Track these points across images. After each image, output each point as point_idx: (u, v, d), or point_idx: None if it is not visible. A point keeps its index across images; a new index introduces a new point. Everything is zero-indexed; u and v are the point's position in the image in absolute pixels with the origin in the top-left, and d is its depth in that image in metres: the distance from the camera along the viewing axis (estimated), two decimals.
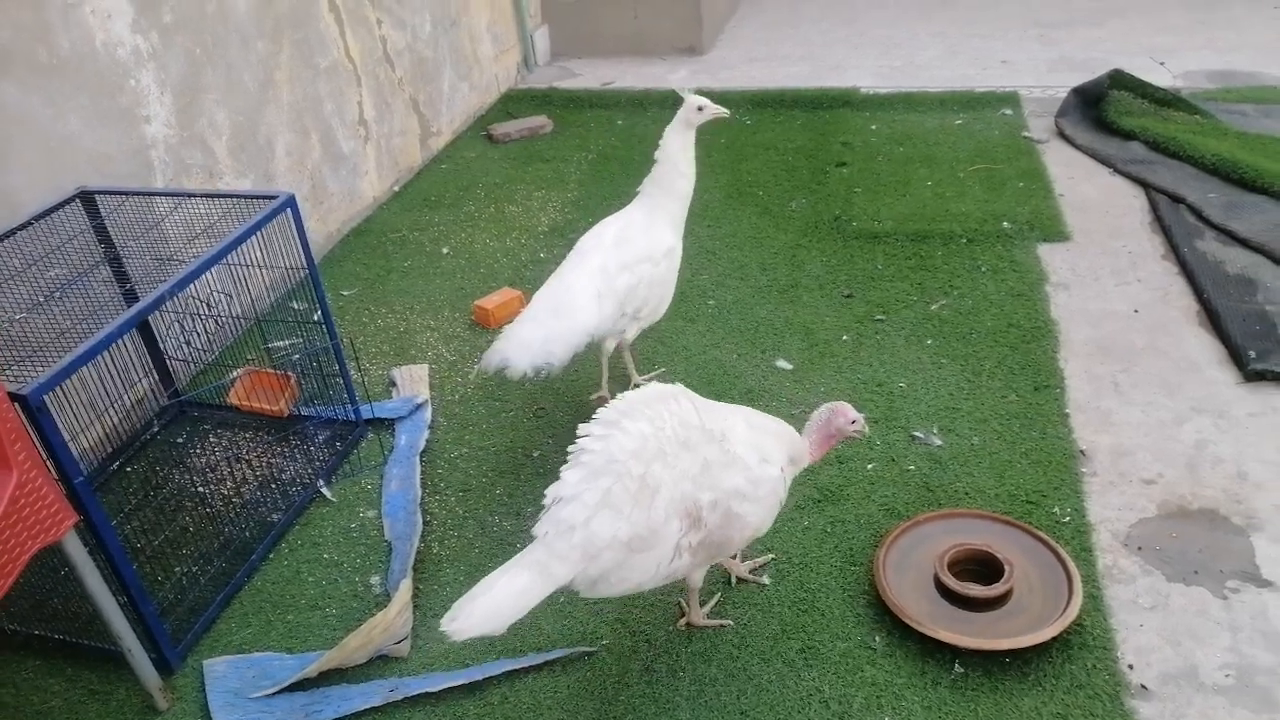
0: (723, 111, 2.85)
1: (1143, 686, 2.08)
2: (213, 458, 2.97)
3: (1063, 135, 4.71)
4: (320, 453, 2.95)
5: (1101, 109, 4.73)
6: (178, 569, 2.55)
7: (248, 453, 2.97)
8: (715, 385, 3.13)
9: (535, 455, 2.93)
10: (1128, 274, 3.59)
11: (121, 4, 3.09)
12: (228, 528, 2.68)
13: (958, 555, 2.35)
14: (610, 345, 2.90)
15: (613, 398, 2.99)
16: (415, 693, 2.17)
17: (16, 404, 1.87)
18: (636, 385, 3.03)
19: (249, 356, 3.28)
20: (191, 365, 3.29)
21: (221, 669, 2.29)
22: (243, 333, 3.33)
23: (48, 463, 1.96)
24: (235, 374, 3.15)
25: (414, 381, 3.26)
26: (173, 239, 2.77)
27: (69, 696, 2.28)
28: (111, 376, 2.65)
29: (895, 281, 3.63)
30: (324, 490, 2.84)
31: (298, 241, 2.73)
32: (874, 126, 5.00)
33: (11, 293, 2.52)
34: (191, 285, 2.39)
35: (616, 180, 4.62)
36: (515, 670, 2.23)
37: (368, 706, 2.15)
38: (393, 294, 3.86)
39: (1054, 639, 2.14)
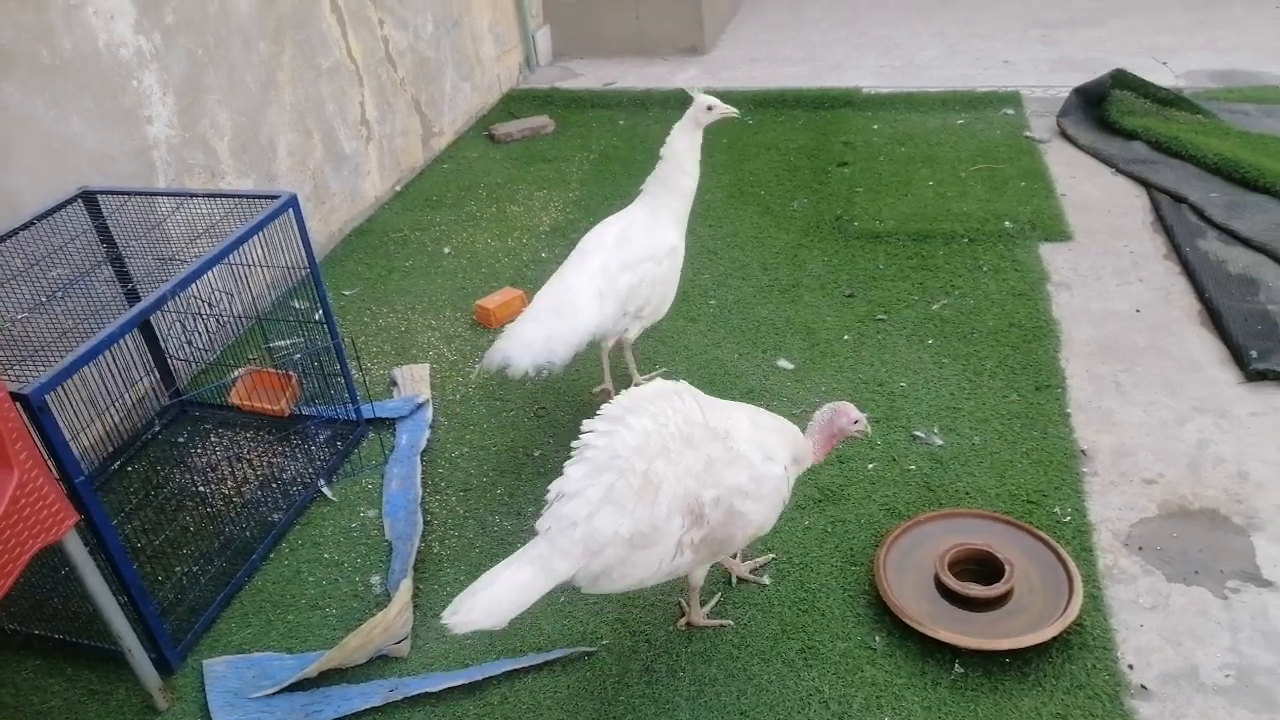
0: (732, 111, 2.85)
1: (1143, 686, 2.07)
2: (213, 457, 2.97)
3: (1064, 135, 4.70)
4: (321, 452, 2.96)
5: (1103, 109, 4.72)
6: (178, 568, 2.55)
7: (248, 452, 2.97)
8: (716, 385, 3.13)
9: (536, 455, 2.93)
10: (1129, 274, 3.58)
11: (124, 5, 3.10)
12: (228, 527, 2.68)
13: (958, 555, 2.35)
14: (610, 343, 2.90)
15: (616, 392, 3.00)
16: (415, 693, 2.17)
17: (18, 403, 1.87)
18: (637, 385, 3.03)
19: (250, 356, 3.29)
20: (193, 365, 3.29)
21: (221, 669, 2.29)
22: (244, 332, 3.34)
23: (49, 462, 1.97)
24: (236, 373, 3.15)
25: (415, 381, 3.27)
26: (174, 239, 2.78)
27: (69, 696, 2.28)
28: (113, 376, 2.65)
29: (897, 281, 3.63)
30: (325, 490, 2.84)
31: (299, 241, 2.73)
32: (875, 126, 4.99)
33: (14, 292, 2.53)
34: (193, 285, 2.39)
35: (618, 180, 4.62)
36: (515, 670, 2.23)
37: (368, 706, 2.16)
38: (394, 294, 3.87)
39: (1054, 639, 2.14)
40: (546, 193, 4.62)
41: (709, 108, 2.82)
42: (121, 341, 2.22)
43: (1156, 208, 3.98)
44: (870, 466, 2.74)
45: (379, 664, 2.28)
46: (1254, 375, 2.96)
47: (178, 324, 3.06)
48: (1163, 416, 2.86)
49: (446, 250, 4.17)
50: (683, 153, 2.84)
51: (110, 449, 2.95)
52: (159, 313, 2.75)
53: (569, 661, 2.26)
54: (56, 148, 2.89)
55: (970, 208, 4.09)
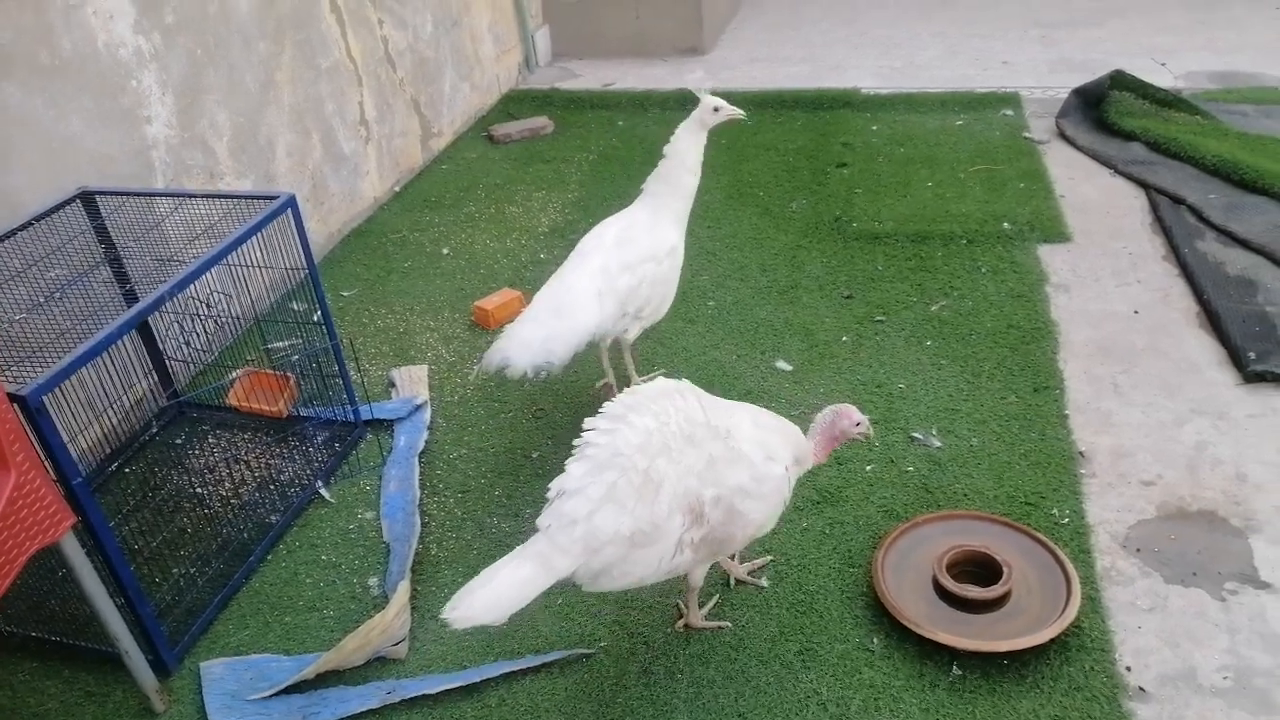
0: (738, 113, 2.84)
1: (1141, 688, 2.07)
2: (211, 459, 2.97)
3: (1063, 136, 4.71)
4: (319, 454, 2.96)
5: (1102, 110, 4.72)
6: (175, 570, 2.55)
7: (246, 454, 2.97)
8: (714, 386, 3.12)
9: (534, 456, 2.93)
10: (1128, 275, 3.58)
11: (123, 5, 3.10)
12: (226, 529, 2.68)
13: (956, 557, 2.35)
14: (609, 343, 2.90)
15: (619, 386, 3.00)
16: (413, 695, 2.17)
17: (15, 405, 1.87)
18: (636, 385, 3.03)
19: (248, 357, 3.28)
20: (191, 366, 3.29)
21: (219, 671, 2.29)
22: (242, 333, 3.33)
23: (46, 463, 1.97)
24: (234, 375, 3.15)
25: (413, 382, 3.27)
26: (173, 239, 2.77)
27: (66, 698, 2.28)
28: (111, 377, 2.66)
29: (895, 282, 3.63)
30: (322, 491, 2.84)
31: (298, 242, 2.73)
32: (874, 127, 4.99)
33: (12, 293, 2.53)
34: (191, 286, 2.39)
35: (617, 181, 4.62)
36: (513, 672, 2.23)
37: (365, 709, 2.15)
38: (393, 295, 3.87)
39: (1052, 641, 2.14)
40: (545, 194, 4.62)
41: (715, 109, 2.82)
42: (120, 343, 2.22)
43: (1155, 209, 3.98)
44: (868, 468, 2.74)
45: (377, 666, 2.28)
46: (1252, 377, 2.96)
47: (176, 325, 3.06)
48: (1161, 418, 2.86)
49: (445, 251, 4.17)
50: (686, 152, 2.84)
51: (108, 450, 2.95)
52: (157, 314, 2.76)
53: (567, 663, 2.25)
54: (55, 148, 2.88)
55: (969, 209, 4.09)
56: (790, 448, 2.12)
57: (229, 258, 2.53)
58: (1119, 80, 4.76)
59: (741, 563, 2.45)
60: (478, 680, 2.20)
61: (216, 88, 3.54)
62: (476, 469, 2.90)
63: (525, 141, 5.25)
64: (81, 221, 2.78)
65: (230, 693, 2.22)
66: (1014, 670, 2.13)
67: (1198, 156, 4.18)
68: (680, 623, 2.32)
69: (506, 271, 3.96)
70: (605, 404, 2.02)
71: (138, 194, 2.84)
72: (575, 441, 1.98)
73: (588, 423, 1.98)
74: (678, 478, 1.92)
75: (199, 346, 3.20)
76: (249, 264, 2.69)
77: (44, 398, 1.93)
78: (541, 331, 2.67)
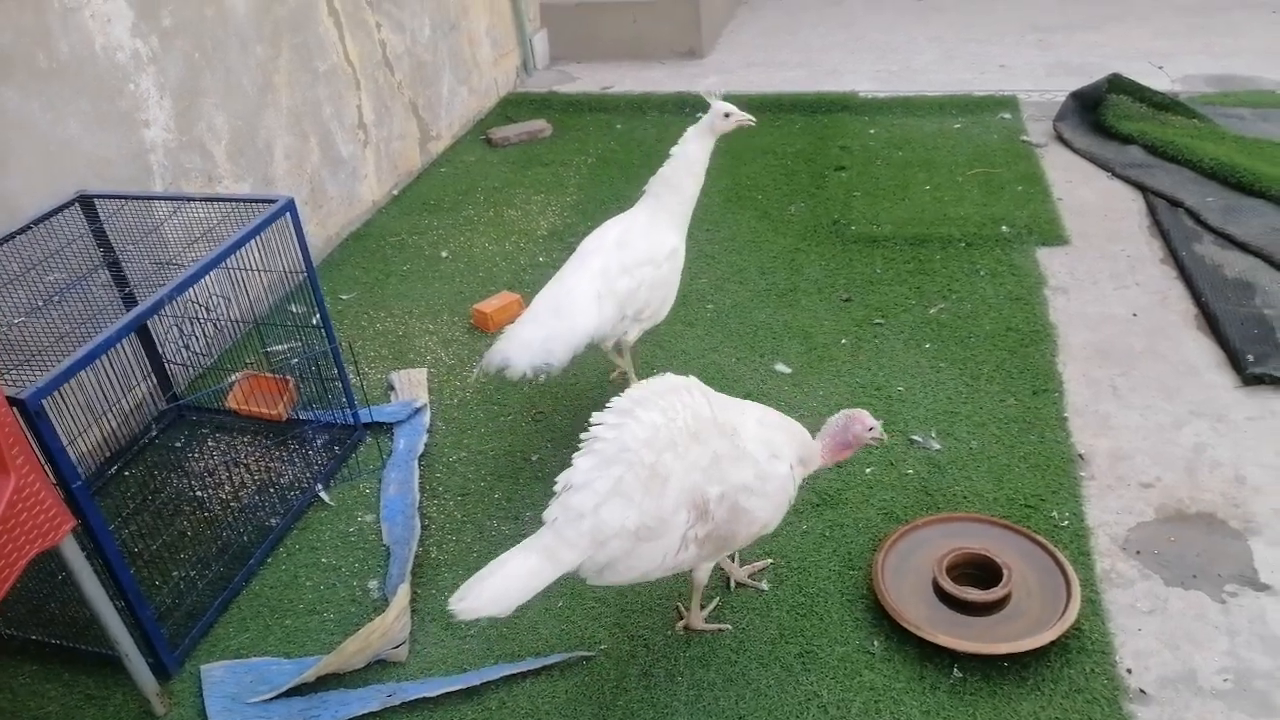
0: (749, 119, 2.84)
1: (1141, 691, 2.08)
2: (211, 462, 2.97)
3: (1061, 139, 4.72)
4: (318, 457, 2.95)
5: (1100, 113, 4.73)
6: (175, 573, 2.55)
7: (246, 457, 2.97)
8: (714, 389, 3.12)
9: (534, 459, 2.93)
10: (1126, 278, 3.59)
11: (121, 8, 3.10)
12: (226, 532, 2.67)
13: (956, 559, 2.35)
14: (610, 345, 2.90)
15: (633, 373, 2.99)
16: (413, 697, 2.17)
17: (15, 408, 1.87)
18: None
19: (248, 360, 3.28)
20: (190, 369, 3.29)
21: (219, 674, 2.28)
22: (241, 337, 3.33)
23: (46, 467, 1.96)
24: (234, 378, 3.15)
25: (412, 385, 3.26)
26: (172, 243, 2.77)
27: (66, 701, 2.27)
28: (110, 380, 2.65)
29: (894, 285, 3.63)
30: (322, 494, 2.84)
31: (296, 245, 2.73)
32: (872, 131, 5.00)
33: (10, 297, 2.53)
34: (190, 289, 2.39)
35: (615, 184, 4.62)
36: (513, 675, 2.23)
37: (365, 711, 2.15)
38: (391, 298, 3.86)
39: (1052, 643, 2.14)
40: (544, 196, 4.62)
41: (726, 115, 2.81)
42: (119, 346, 2.22)
43: (1153, 212, 3.99)
44: (868, 471, 2.74)
45: (377, 669, 2.28)
46: (1250, 379, 2.97)
47: (175, 328, 3.05)
48: (1160, 420, 2.86)
49: (444, 254, 4.17)
50: (693, 156, 2.84)
51: (107, 454, 2.94)
52: (156, 317, 2.75)
53: (567, 666, 2.25)
54: (53, 151, 2.88)
55: (967, 212, 4.10)
56: (795, 447, 2.13)
57: (228, 261, 2.53)
58: (1116, 84, 4.78)
59: (741, 565, 2.45)
60: (478, 683, 2.20)
61: (214, 91, 3.54)
62: (476, 472, 2.90)
63: (523, 145, 5.25)
64: (80, 225, 2.78)
65: (230, 695, 2.22)
66: (1014, 672, 2.13)
67: (1195, 160, 4.20)
68: (680, 624, 2.32)
69: (505, 274, 3.96)
70: (613, 399, 2.02)
71: (136, 197, 2.85)
72: (582, 436, 1.99)
73: (595, 417, 2.00)
74: (684, 473, 1.93)
75: (198, 350, 3.20)
76: (248, 267, 2.69)
77: (43, 401, 1.92)
78: (541, 332, 2.68)
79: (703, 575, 2.18)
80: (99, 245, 2.78)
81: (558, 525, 1.88)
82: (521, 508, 2.73)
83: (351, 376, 3.07)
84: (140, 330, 2.95)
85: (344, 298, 3.88)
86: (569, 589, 2.44)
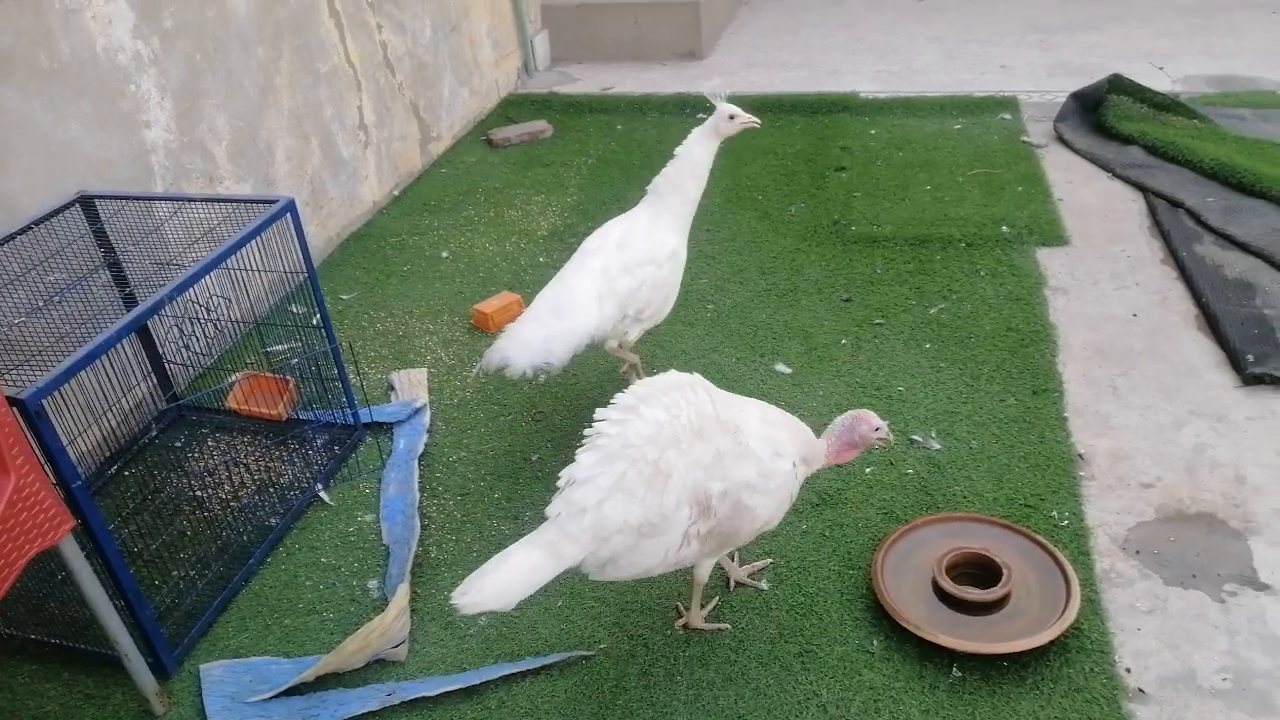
0: (754, 121, 2.84)
1: (1140, 690, 2.07)
2: (211, 461, 2.97)
3: (1061, 140, 4.72)
4: (318, 457, 2.96)
5: (1100, 114, 4.73)
6: (175, 573, 2.55)
7: (246, 457, 2.97)
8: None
9: (534, 459, 2.93)
10: (1126, 278, 3.59)
11: (122, 9, 3.10)
12: (225, 532, 2.68)
13: (956, 559, 2.35)
14: (613, 345, 2.90)
15: (641, 365, 2.98)
16: (412, 697, 2.17)
17: (15, 408, 1.87)
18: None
19: (248, 360, 3.29)
20: (190, 369, 3.29)
21: (218, 673, 2.29)
22: (242, 337, 3.34)
23: (46, 467, 1.97)
24: (234, 378, 3.15)
25: (412, 385, 3.27)
26: (172, 243, 2.78)
27: (65, 701, 2.27)
28: (110, 380, 2.66)
29: (894, 285, 3.63)
30: (322, 494, 2.84)
31: (297, 246, 2.73)
32: (873, 131, 5.00)
33: (11, 297, 2.53)
34: (191, 289, 2.39)
35: (616, 185, 4.63)
36: (512, 674, 2.23)
37: (365, 711, 2.15)
38: (392, 298, 3.87)
39: (1052, 643, 2.14)
40: (544, 197, 4.63)
41: (731, 117, 2.81)
42: (119, 346, 2.22)
43: (1153, 212, 3.98)
44: (868, 470, 2.74)
45: (376, 668, 2.28)
46: (1250, 379, 2.96)
47: (175, 328, 3.06)
48: (1160, 421, 2.86)
49: (444, 255, 4.17)
50: (697, 158, 2.84)
51: (107, 453, 2.95)
52: (156, 317, 2.75)
53: (566, 665, 2.25)
54: (54, 152, 2.89)
55: (967, 212, 4.10)
56: (798, 445, 2.13)
57: (228, 261, 2.54)
58: (1117, 84, 4.78)
59: (741, 565, 2.45)
60: (477, 682, 2.20)
61: (215, 92, 3.54)
62: (476, 472, 2.90)
63: (524, 145, 5.25)
64: (80, 225, 2.78)
65: (230, 695, 2.22)
66: (1014, 672, 2.13)
67: (1196, 160, 4.19)
68: (680, 623, 2.32)
69: (505, 275, 3.96)
70: (617, 395, 2.03)
71: (137, 198, 2.85)
72: (585, 433, 2.00)
73: (599, 413, 2.00)
74: (686, 470, 1.93)
75: (198, 350, 3.20)
76: (248, 268, 2.69)
77: (43, 401, 1.93)
78: (541, 332, 2.68)
79: (703, 573, 2.18)
80: (99, 246, 2.79)
81: (560, 520, 1.89)
82: (521, 507, 2.73)
83: (352, 376, 3.07)
84: (140, 330, 2.96)
85: (344, 298, 3.89)
86: (568, 589, 2.44)
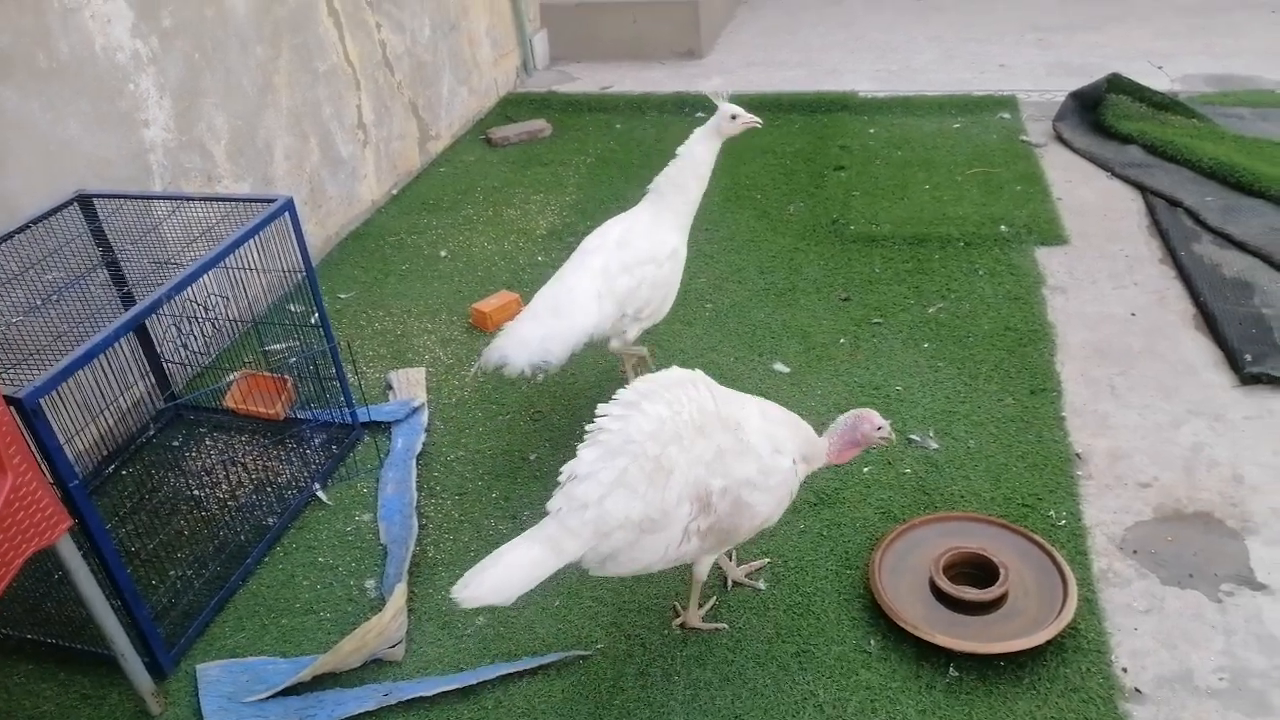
0: (756, 121, 2.84)
1: (1137, 690, 2.07)
2: (208, 461, 2.97)
3: (1060, 139, 4.72)
4: (316, 456, 2.96)
5: (1099, 113, 4.73)
6: (172, 573, 2.55)
7: (243, 456, 2.97)
8: None
9: (532, 459, 2.93)
10: (1125, 277, 3.59)
11: (121, 8, 3.10)
12: (223, 531, 2.68)
13: (953, 559, 2.35)
14: (616, 346, 2.90)
15: (653, 358, 2.97)
16: (409, 697, 2.17)
17: (12, 407, 1.87)
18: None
19: (246, 359, 3.28)
20: (188, 368, 3.29)
21: (215, 673, 2.28)
22: (240, 336, 3.34)
23: (43, 466, 1.97)
24: (232, 377, 3.15)
25: (411, 385, 3.27)
26: (170, 242, 2.78)
27: (61, 701, 2.27)
28: (108, 380, 2.66)
29: (892, 285, 3.63)
30: (320, 494, 2.84)
31: (295, 245, 2.73)
32: (872, 130, 5.00)
33: (9, 296, 2.53)
34: (189, 288, 2.39)
35: (615, 184, 4.63)
36: (509, 674, 2.23)
37: (362, 711, 2.15)
38: (390, 297, 3.87)
39: (1049, 642, 2.14)
40: (543, 196, 4.62)
41: (733, 117, 2.81)
42: (117, 345, 2.23)
43: (1152, 212, 3.98)
44: (865, 470, 2.74)
45: (373, 668, 2.28)
46: (1248, 379, 2.96)
47: (173, 327, 3.06)
48: (1158, 420, 2.86)
49: (443, 254, 4.17)
50: (699, 158, 2.84)
51: (105, 453, 2.95)
52: (154, 316, 2.75)
53: (563, 665, 2.25)
54: (53, 151, 2.89)
55: (966, 211, 4.10)
56: (799, 443, 2.14)
57: (226, 260, 2.54)
58: (1116, 83, 4.77)
59: (739, 565, 2.45)
60: (474, 682, 2.20)
61: (214, 91, 3.54)
62: (474, 471, 2.90)
63: (523, 144, 5.25)
64: (79, 224, 2.78)
65: (227, 695, 2.22)
66: (1011, 672, 2.13)
67: (1194, 159, 4.19)
68: (677, 622, 2.32)
69: (504, 274, 3.96)
70: (618, 391, 2.03)
71: (135, 197, 2.85)
72: (586, 428, 2.00)
73: (600, 409, 2.00)
74: (687, 466, 1.94)
75: (196, 349, 3.20)
76: (246, 267, 2.69)
77: (41, 400, 1.93)
78: (540, 330, 2.68)
79: (703, 570, 2.18)
80: (98, 244, 2.79)
81: (561, 515, 1.89)
82: (519, 507, 2.73)
83: (350, 376, 3.07)
84: (138, 329, 2.96)
85: (343, 297, 3.89)
86: (565, 589, 2.44)
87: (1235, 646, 2.15)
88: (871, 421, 2.17)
